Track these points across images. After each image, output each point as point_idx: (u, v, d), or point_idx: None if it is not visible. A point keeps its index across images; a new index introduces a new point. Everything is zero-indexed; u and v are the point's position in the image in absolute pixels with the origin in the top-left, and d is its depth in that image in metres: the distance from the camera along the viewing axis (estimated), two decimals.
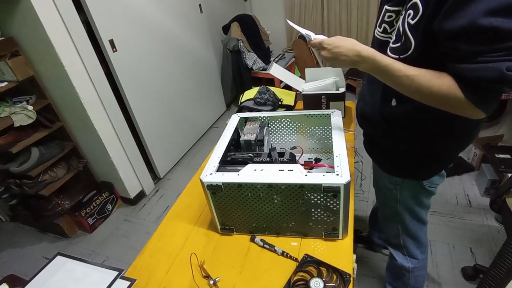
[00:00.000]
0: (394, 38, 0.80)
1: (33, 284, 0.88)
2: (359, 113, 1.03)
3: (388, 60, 0.75)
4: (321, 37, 0.86)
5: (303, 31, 0.93)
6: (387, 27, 0.84)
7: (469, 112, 0.69)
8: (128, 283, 0.85)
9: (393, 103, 0.85)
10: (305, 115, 1.13)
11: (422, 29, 0.69)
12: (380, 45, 0.86)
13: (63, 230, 2.10)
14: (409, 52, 0.74)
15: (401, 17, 0.77)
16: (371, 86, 0.92)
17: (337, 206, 0.82)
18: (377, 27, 0.88)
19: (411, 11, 0.71)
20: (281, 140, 1.22)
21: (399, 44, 0.77)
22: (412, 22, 0.71)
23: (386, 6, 0.83)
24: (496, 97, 0.67)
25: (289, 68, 3.43)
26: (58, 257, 0.95)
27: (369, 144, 1.07)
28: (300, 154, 1.18)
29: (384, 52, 0.80)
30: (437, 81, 0.69)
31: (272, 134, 1.21)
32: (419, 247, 1.15)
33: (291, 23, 1.05)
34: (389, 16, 0.82)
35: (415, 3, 0.69)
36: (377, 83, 0.85)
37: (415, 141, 0.88)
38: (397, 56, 0.77)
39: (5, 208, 2.32)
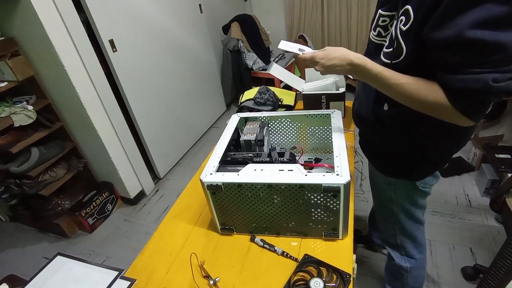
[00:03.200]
0: (387, 42, 0.80)
1: (33, 284, 0.88)
2: (354, 113, 1.04)
3: (379, 68, 0.76)
4: (309, 52, 0.88)
5: (296, 48, 0.94)
6: (381, 31, 0.84)
7: (458, 120, 0.69)
8: (128, 283, 0.85)
9: (385, 107, 0.86)
10: (305, 115, 1.13)
11: (413, 36, 0.69)
12: (374, 48, 0.86)
13: (63, 230, 2.10)
14: (401, 58, 0.74)
15: (395, 22, 0.77)
16: (366, 88, 0.92)
17: (337, 206, 0.82)
18: (372, 31, 0.88)
19: (403, 17, 0.71)
20: (281, 140, 1.22)
21: (391, 49, 0.77)
22: (404, 28, 0.71)
23: (380, 11, 0.83)
24: (483, 107, 0.67)
25: (289, 68, 3.43)
26: (58, 257, 0.95)
27: (364, 145, 1.08)
28: (300, 154, 1.18)
29: (379, 56, 0.81)
30: (424, 90, 0.70)
31: (272, 134, 1.21)
32: (417, 247, 1.16)
33: (282, 46, 1.00)
34: (383, 21, 0.83)
35: (407, 10, 0.70)
36: (371, 86, 0.86)
37: (408, 143, 0.89)
38: (389, 61, 0.78)
39: (5, 208, 2.32)
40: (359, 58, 0.78)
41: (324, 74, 0.87)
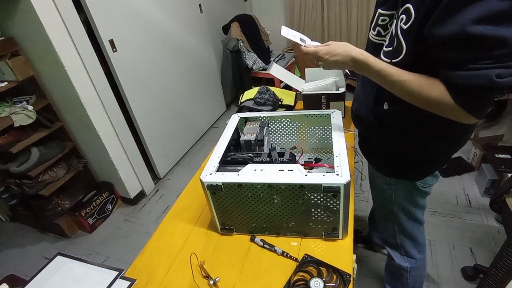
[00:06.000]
0: (387, 41, 0.80)
1: (33, 284, 0.88)
2: (354, 113, 1.03)
3: (381, 65, 0.75)
4: (314, 44, 0.87)
5: (298, 36, 0.93)
6: (381, 30, 0.84)
7: (461, 118, 0.69)
8: (128, 283, 0.85)
9: (385, 106, 0.86)
10: (305, 115, 1.13)
11: (414, 34, 0.69)
12: (374, 48, 0.86)
13: (63, 230, 2.10)
14: (400, 57, 0.74)
15: (395, 21, 0.77)
16: (365, 88, 0.92)
17: (337, 206, 0.82)
18: (371, 30, 0.88)
19: (403, 16, 0.71)
20: (281, 140, 1.22)
21: (391, 48, 0.77)
22: (405, 27, 0.71)
23: (379, 10, 0.83)
24: (487, 103, 0.67)
25: (289, 68, 3.43)
26: (58, 257, 0.95)
27: (364, 145, 1.08)
28: (300, 154, 1.18)
29: (378, 55, 0.81)
30: (427, 87, 0.69)
31: (272, 134, 1.21)
32: (417, 247, 1.16)
33: (284, 33, 0.96)
34: (383, 20, 0.83)
35: (408, 8, 0.70)
36: (371, 86, 0.86)
37: (407, 143, 0.89)
38: (389, 60, 0.78)
39: (5, 208, 2.32)
40: (362, 54, 0.78)
41: (326, 69, 0.88)
